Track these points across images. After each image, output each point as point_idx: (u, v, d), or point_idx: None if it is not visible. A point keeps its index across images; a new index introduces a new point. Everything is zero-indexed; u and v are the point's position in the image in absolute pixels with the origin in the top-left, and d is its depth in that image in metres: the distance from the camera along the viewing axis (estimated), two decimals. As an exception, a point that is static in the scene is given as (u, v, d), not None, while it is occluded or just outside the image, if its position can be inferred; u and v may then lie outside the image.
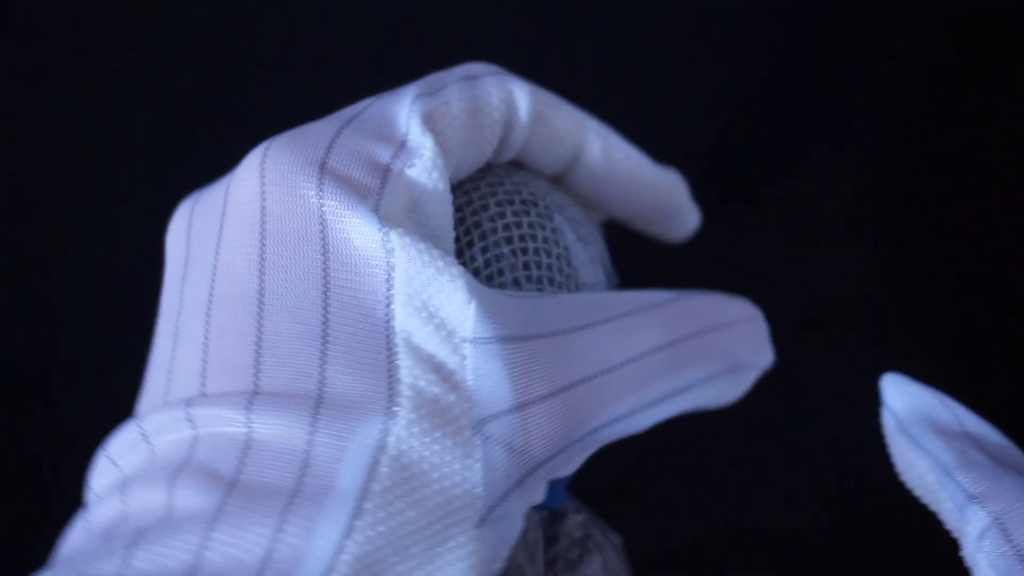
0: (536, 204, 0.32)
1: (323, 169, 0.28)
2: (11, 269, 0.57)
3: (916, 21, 0.58)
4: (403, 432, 0.26)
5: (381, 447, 0.26)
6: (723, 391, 0.33)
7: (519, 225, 0.31)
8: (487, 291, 0.28)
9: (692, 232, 0.38)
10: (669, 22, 0.59)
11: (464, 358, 0.27)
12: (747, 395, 0.58)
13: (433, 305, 0.27)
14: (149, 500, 0.25)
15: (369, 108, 0.30)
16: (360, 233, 0.27)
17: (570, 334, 0.29)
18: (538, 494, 0.28)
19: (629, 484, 0.56)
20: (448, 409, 0.27)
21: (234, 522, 0.24)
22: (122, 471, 0.27)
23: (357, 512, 0.25)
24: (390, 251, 0.27)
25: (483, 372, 0.27)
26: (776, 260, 0.57)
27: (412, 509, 0.25)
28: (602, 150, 0.33)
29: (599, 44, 0.59)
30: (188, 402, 0.27)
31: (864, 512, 0.55)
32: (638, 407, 0.30)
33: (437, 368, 0.27)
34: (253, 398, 0.26)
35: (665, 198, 0.35)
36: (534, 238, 0.31)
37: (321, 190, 0.28)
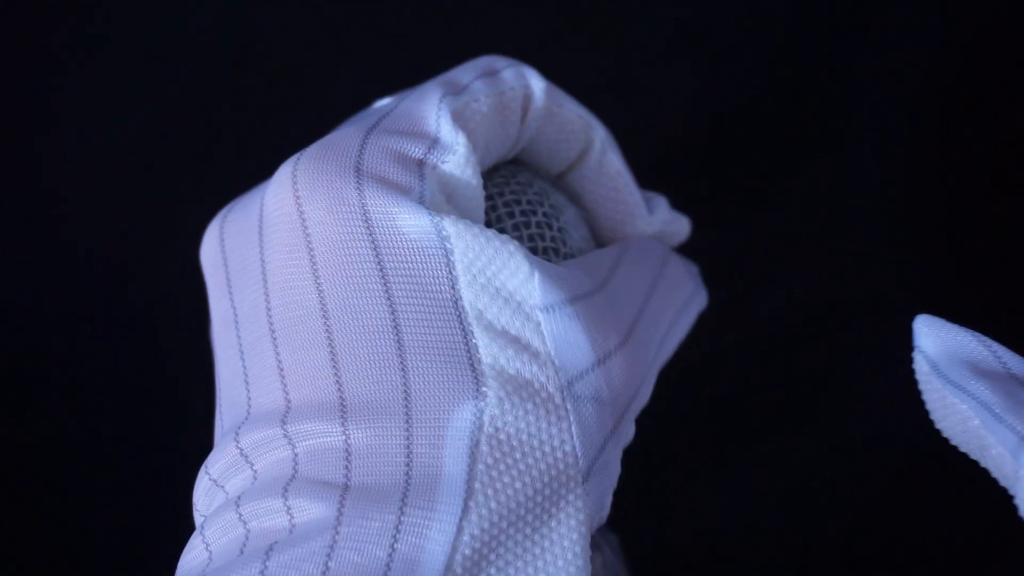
0: (542, 204, 0.32)
1: (359, 172, 0.28)
2: (11, 269, 0.57)
3: (918, 22, 0.58)
4: (496, 411, 0.27)
5: (478, 428, 0.26)
6: (698, 301, 0.34)
7: (527, 225, 0.32)
8: (542, 261, 0.29)
9: (683, 239, 0.38)
10: (669, 23, 0.59)
11: (539, 325, 0.28)
12: (749, 395, 0.58)
13: (499, 280, 0.28)
14: (269, 516, 0.26)
15: (393, 111, 0.30)
16: (411, 224, 0.28)
17: (608, 284, 0.30)
18: (630, 433, 0.30)
19: (629, 484, 0.56)
20: (534, 380, 0.27)
21: (356, 522, 0.25)
22: (228, 493, 0.28)
23: (469, 493, 0.26)
24: (445, 237, 0.28)
25: (560, 336, 0.28)
26: (779, 261, 0.57)
27: (518, 481, 0.26)
28: (599, 158, 0.34)
29: (599, 44, 0.59)
30: (283, 419, 0.27)
31: (870, 513, 0.55)
32: (670, 323, 0.32)
33: (514, 341, 0.27)
34: (344, 409, 0.27)
35: (641, 226, 0.36)
36: (542, 237, 0.32)
37: (361, 191, 0.28)
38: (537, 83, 0.32)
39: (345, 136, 0.29)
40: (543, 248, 0.31)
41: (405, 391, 0.27)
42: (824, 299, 0.58)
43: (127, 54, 0.58)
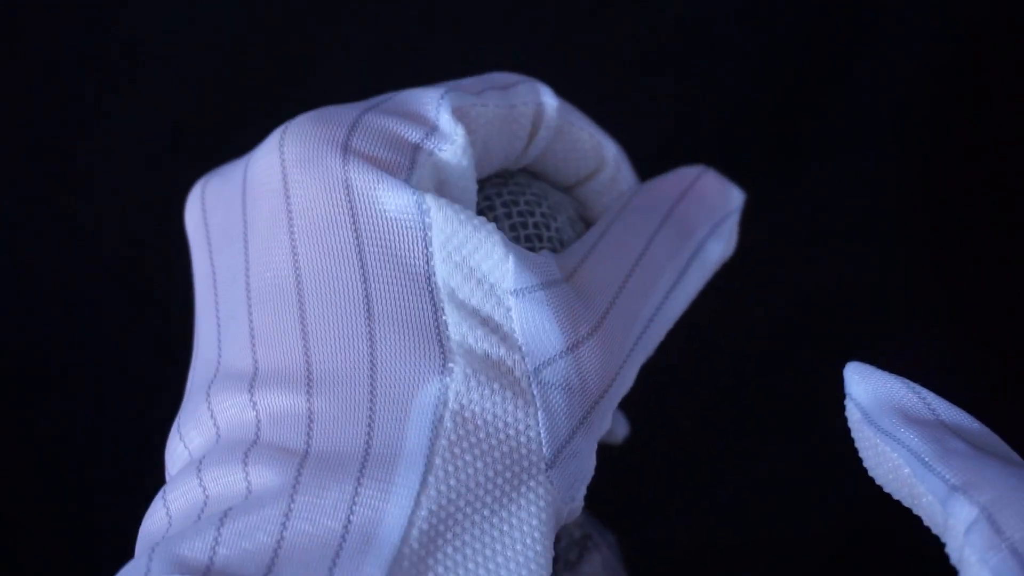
0: (540, 204, 0.32)
1: (346, 148, 0.28)
2: (10, 269, 0.57)
3: (918, 22, 0.58)
4: (461, 387, 0.27)
5: (442, 403, 0.26)
6: (725, 243, 0.34)
7: (524, 226, 0.32)
8: (518, 247, 0.29)
9: None
10: (668, 23, 0.59)
11: (509, 310, 0.28)
12: (748, 395, 0.58)
13: (473, 260, 0.28)
14: (227, 482, 0.26)
15: (393, 97, 0.30)
16: (391, 198, 0.28)
17: (583, 265, 0.30)
18: (605, 424, 0.29)
19: (629, 484, 0.56)
20: (501, 362, 0.27)
21: (312, 491, 0.25)
22: (191, 453, 0.28)
23: (428, 467, 0.26)
24: (425, 211, 0.28)
25: (530, 321, 0.28)
26: (778, 261, 0.57)
27: (480, 460, 0.26)
28: (612, 175, 0.34)
29: (597, 44, 0.59)
30: (251, 383, 0.27)
31: (870, 513, 0.55)
32: (666, 291, 0.31)
33: (484, 321, 0.28)
34: (309, 377, 0.27)
35: None
36: (539, 237, 0.32)
37: (345, 165, 0.28)
38: (550, 101, 0.32)
39: (340, 111, 0.29)
40: (539, 249, 0.31)
41: (371, 362, 0.27)
42: (824, 299, 0.58)
43: (125, 54, 0.58)
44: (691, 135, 0.58)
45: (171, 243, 0.55)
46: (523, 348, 0.28)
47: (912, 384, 0.28)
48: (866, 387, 0.28)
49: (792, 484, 0.56)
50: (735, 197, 0.34)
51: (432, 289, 0.28)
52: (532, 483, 0.27)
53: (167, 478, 0.29)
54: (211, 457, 0.27)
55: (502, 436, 0.27)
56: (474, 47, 0.57)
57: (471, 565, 0.25)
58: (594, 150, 0.33)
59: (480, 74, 0.32)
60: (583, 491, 0.28)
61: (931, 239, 0.58)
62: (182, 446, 0.28)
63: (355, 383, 0.27)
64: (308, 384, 0.27)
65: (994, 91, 0.58)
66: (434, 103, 0.30)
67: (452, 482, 0.26)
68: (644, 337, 0.30)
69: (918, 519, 0.27)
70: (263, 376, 0.27)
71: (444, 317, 0.27)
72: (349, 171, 0.28)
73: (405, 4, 0.58)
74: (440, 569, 0.25)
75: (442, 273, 0.28)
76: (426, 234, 0.28)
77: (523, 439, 0.27)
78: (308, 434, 0.26)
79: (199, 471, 0.27)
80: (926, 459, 0.26)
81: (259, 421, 0.27)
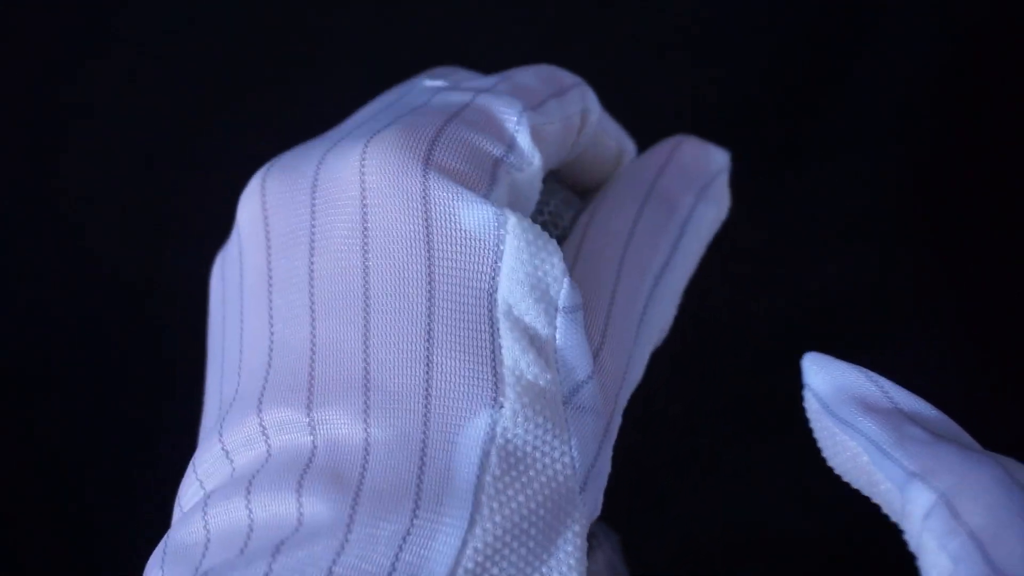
0: (547, 203, 0.32)
1: (428, 162, 0.28)
2: (10, 268, 0.57)
3: (918, 22, 0.58)
4: (509, 423, 0.27)
5: (490, 438, 0.26)
6: (717, 205, 0.33)
7: (556, 226, 0.32)
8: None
9: None
10: (667, 23, 0.59)
11: (556, 328, 0.28)
12: (748, 395, 0.58)
13: (536, 277, 0.28)
14: (277, 510, 0.26)
15: (473, 103, 0.30)
16: (470, 213, 0.28)
17: (577, 265, 0.30)
18: (618, 421, 0.29)
19: (630, 484, 0.56)
20: (546, 390, 0.27)
21: (366, 527, 0.25)
22: (236, 469, 0.28)
23: (475, 506, 0.26)
24: (502, 226, 0.27)
25: (568, 342, 0.28)
26: (778, 261, 0.57)
27: (522, 495, 0.26)
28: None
29: (597, 44, 0.59)
30: (308, 400, 0.27)
31: (871, 512, 0.55)
32: (661, 267, 0.31)
33: (533, 341, 0.27)
34: (367, 399, 0.27)
35: None
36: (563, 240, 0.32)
37: (426, 178, 0.28)
38: (595, 108, 0.32)
39: (424, 120, 0.29)
40: None
41: (427, 390, 0.27)
42: (824, 299, 0.58)
43: (125, 54, 0.58)
44: (691, 135, 0.58)
45: (172, 242, 0.55)
46: (560, 371, 0.28)
47: (870, 373, 0.27)
48: (824, 377, 0.28)
49: (792, 484, 0.56)
50: (718, 158, 0.34)
51: (491, 306, 0.27)
52: (570, 509, 0.27)
53: (189, 489, 0.29)
54: (262, 480, 0.26)
55: (542, 467, 0.27)
56: (474, 42, 0.57)
57: None
58: (615, 159, 0.33)
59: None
60: (601, 498, 0.28)
61: (931, 239, 0.58)
62: (225, 457, 0.28)
63: (410, 411, 0.26)
64: (365, 408, 0.26)
65: (994, 91, 0.58)
66: (514, 119, 0.30)
67: (497, 519, 0.26)
68: (646, 320, 0.30)
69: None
70: (320, 393, 0.27)
71: (499, 339, 0.27)
72: (429, 185, 0.28)
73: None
74: None
75: (504, 289, 0.27)
76: (498, 250, 0.27)
77: (559, 466, 0.27)
78: (364, 464, 0.26)
79: (248, 492, 0.26)
80: (884, 447, 0.26)
81: (315, 446, 0.27)
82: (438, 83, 0.32)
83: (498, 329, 0.27)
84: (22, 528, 0.54)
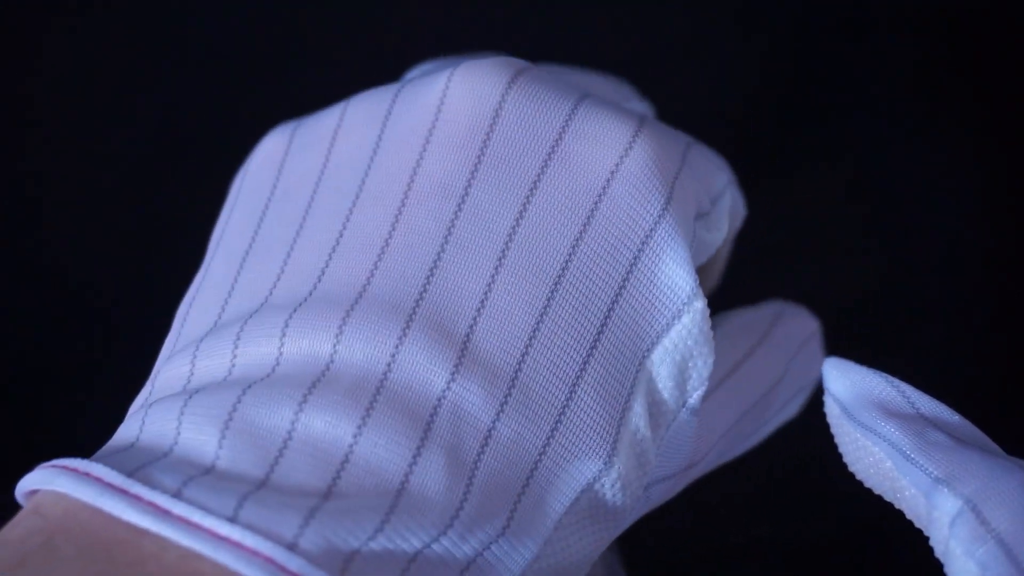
0: None
1: (671, 192, 0.27)
2: (10, 268, 0.57)
3: (918, 23, 0.58)
4: (608, 482, 0.27)
5: (588, 487, 0.26)
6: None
7: None
8: None
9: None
10: (667, 23, 0.59)
11: (675, 420, 0.28)
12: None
13: (690, 364, 0.28)
14: (386, 453, 0.25)
15: (689, 154, 0.29)
16: (673, 271, 0.27)
17: (712, 398, 0.30)
18: None
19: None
20: (644, 466, 0.27)
21: (467, 522, 0.25)
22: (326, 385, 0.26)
23: (547, 541, 0.26)
24: (692, 300, 0.27)
25: (677, 437, 0.28)
26: (777, 262, 0.57)
27: (579, 544, 0.26)
28: None
29: (596, 47, 0.59)
30: (456, 366, 0.25)
31: (866, 517, 0.55)
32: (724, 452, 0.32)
33: (655, 418, 0.27)
34: (512, 389, 0.26)
35: None
36: None
37: (666, 211, 0.27)
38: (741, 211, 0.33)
39: (677, 139, 0.28)
40: None
41: (562, 412, 0.26)
42: (824, 299, 0.58)
43: (126, 54, 0.58)
44: (690, 135, 0.58)
45: (172, 242, 0.55)
46: (660, 458, 0.28)
47: (891, 378, 0.27)
48: (845, 382, 0.28)
49: (793, 482, 0.56)
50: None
51: (639, 368, 0.27)
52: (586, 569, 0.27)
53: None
54: (373, 423, 0.25)
55: (604, 531, 0.27)
56: (483, 34, 0.57)
57: None
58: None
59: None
60: None
61: (931, 239, 0.58)
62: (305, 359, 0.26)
63: (538, 424, 0.26)
64: (504, 400, 0.26)
65: (994, 91, 0.58)
66: (724, 179, 0.30)
67: (553, 560, 0.26)
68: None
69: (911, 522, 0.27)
70: (472, 354, 0.26)
71: (634, 401, 0.27)
72: (664, 220, 0.27)
73: None
74: None
75: (657, 359, 0.27)
76: (672, 322, 0.27)
77: (609, 534, 0.27)
78: (481, 450, 0.25)
79: (357, 433, 0.25)
80: (907, 452, 0.26)
81: (440, 403, 0.25)
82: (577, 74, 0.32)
83: (636, 391, 0.27)
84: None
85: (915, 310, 0.59)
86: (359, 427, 0.24)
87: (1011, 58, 0.58)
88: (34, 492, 0.25)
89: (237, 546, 0.22)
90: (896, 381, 0.27)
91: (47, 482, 0.24)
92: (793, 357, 0.33)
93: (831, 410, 0.28)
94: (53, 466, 0.24)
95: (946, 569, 0.25)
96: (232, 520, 0.23)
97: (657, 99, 0.58)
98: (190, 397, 0.25)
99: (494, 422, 0.25)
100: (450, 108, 0.27)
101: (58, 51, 0.57)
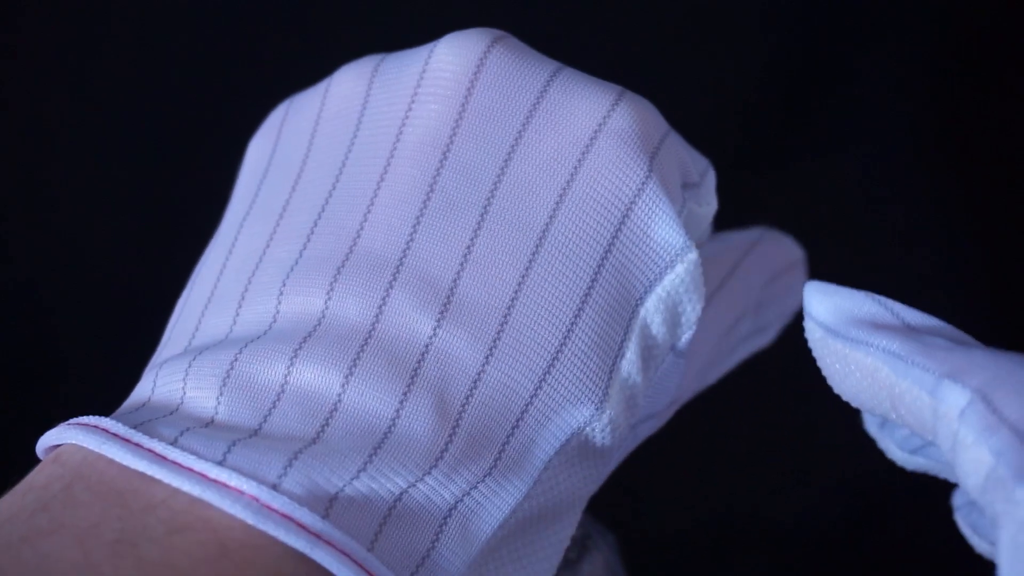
0: None
1: (653, 158, 0.28)
2: (11, 268, 0.57)
3: (918, 23, 0.58)
4: (599, 426, 0.27)
5: (578, 432, 0.27)
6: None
7: None
8: None
9: None
10: (667, 23, 0.59)
11: (663, 363, 0.28)
12: (747, 393, 0.58)
13: (680, 310, 0.28)
14: (371, 404, 0.26)
15: (671, 133, 0.30)
16: (664, 230, 0.28)
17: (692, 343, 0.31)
18: None
19: (627, 484, 0.57)
20: (632, 408, 0.28)
21: (450, 464, 0.25)
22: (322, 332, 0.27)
23: (536, 482, 0.26)
24: (685, 253, 0.28)
25: (665, 378, 0.29)
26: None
27: (567, 483, 0.27)
28: None
29: (596, 44, 0.59)
30: (441, 315, 0.26)
31: (870, 509, 0.55)
32: (715, 359, 0.32)
33: (646, 361, 0.28)
34: (502, 330, 0.26)
35: None
36: None
37: (652, 169, 0.28)
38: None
39: (660, 120, 0.29)
40: None
41: (554, 358, 0.27)
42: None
43: (122, 52, 0.58)
44: (690, 135, 0.58)
45: (172, 242, 0.55)
46: (649, 397, 0.29)
47: (876, 296, 0.27)
48: (828, 304, 0.27)
49: (793, 478, 0.56)
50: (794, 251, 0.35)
51: (633, 315, 0.28)
52: (576, 510, 0.28)
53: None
54: (362, 367, 0.26)
55: (593, 467, 0.27)
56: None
57: (514, 568, 0.26)
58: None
59: None
60: None
61: (931, 239, 0.58)
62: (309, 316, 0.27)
63: (530, 369, 0.26)
64: (494, 341, 0.26)
65: (994, 91, 0.58)
66: (705, 161, 0.30)
67: (542, 499, 0.26)
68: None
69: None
70: (456, 307, 0.27)
71: (626, 348, 0.28)
72: (648, 185, 0.28)
73: None
74: (492, 567, 0.26)
75: (651, 307, 0.28)
76: (663, 273, 0.28)
77: (599, 474, 0.28)
78: (470, 393, 0.26)
79: (347, 378, 0.26)
80: (905, 356, 0.25)
81: (428, 349, 0.26)
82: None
83: (628, 337, 0.28)
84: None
85: (917, 305, 0.59)
86: (347, 376, 0.26)
87: (1011, 57, 0.58)
88: (53, 448, 0.27)
89: (223, 486, 0.24)
90: (882, 298, 0.27)
91: (62, 436, 0.26)
92: (770, 283, 0.33)
93: (812, 333, 0.27)
94: (69, 423, 0.26)
95: (956, 462, 0.24)
96: (221, 463, 0.24)
97: (658, 98, 0.58)
98: (194, 357, 0.27)
99: (483, 366, 0.26)
100: (436, 64, 0.28)
101: (62, 47, 0.57)
